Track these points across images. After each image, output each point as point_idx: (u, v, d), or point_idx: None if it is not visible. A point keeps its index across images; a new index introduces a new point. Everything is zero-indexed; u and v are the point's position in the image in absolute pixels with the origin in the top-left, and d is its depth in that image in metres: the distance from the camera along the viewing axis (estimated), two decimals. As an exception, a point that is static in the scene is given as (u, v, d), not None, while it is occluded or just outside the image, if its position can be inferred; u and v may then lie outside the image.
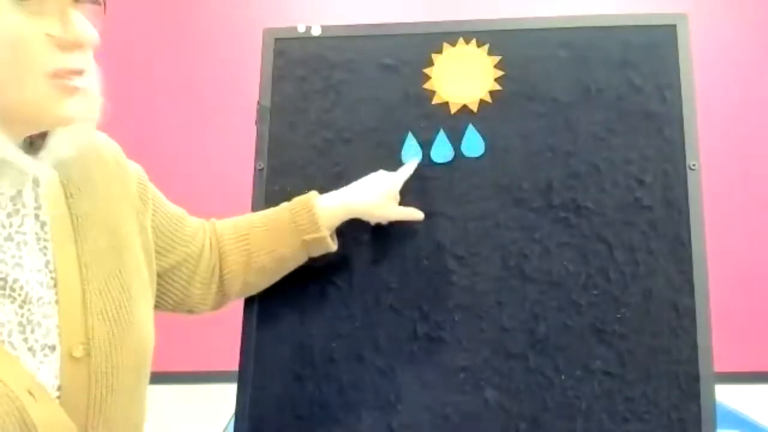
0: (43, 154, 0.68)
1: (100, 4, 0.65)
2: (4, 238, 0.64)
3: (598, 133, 1.01)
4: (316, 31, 1.07)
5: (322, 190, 0.99)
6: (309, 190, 0.99)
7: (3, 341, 0.61)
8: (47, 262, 0.67)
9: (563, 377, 0.96)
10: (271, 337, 1.00)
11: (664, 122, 1.00)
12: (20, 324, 0.63)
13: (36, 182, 0.70)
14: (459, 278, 0.99)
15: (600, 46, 1.02)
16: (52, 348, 0.65)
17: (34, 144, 0.69)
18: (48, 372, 0.64)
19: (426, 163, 1.02)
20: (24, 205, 0.67)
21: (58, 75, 0.60)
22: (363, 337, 0.99)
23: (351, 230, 1.01)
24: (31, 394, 0.61)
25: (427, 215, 1.00)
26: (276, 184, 1.04)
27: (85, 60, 0.64)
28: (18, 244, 0.65)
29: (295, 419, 0.97)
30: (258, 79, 1.06)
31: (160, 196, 0.89)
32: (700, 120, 1.00)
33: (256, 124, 1.06)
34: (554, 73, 1.02)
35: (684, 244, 0.97)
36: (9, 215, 0.66)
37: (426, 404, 0.97)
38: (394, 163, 1.02)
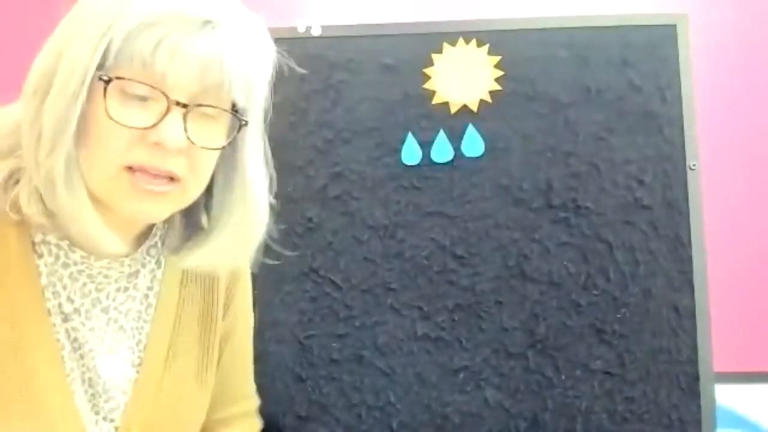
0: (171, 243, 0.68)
1: (213, 116, 0.59)
2: (101, 309, 0.65)
3: (598, 133, 1.01)
4: (316, 31, 1.07)
5: (322, 190, 0.99)
6: (309, 190, 0.99)
7: (74, 392, 0.62)
8: (139, 342, 0.68)
9: (563, 377, 0.96)
10: (272, 338, 1.00)
11: (664, 122, 1.00)
12: (89, 384, 0.64)
13: (159, 263, 0.70)
14: (459, 278, 0.99)
15: (600, 46, 1.02)
16: (112, 420, 0.65)
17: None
18: None
19: (426, 163, 1.02)
20: (136, 287, 0.68)
21: (132, 170, 0.57)
22: (363, 337, 0.99)
23: (351, 230, 1.01)
24: None
25: (427, 215, 1.00)
26: (276, 184, 1.04)
27: (180, 165, 0.58)
28: (109, 320, 0.66)
29: (296, 419, 0.97)
30: (258, 79, 1.06)
31: (245, 336, 0.81)
32: (700, 120, 1.00)
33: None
34: (554, 73, 1.02)
35: (684, 244, 0.97)
36: (118, 290, 0.66)
37: (426, 404, 0.97)
38: (395, 163, 1.02)
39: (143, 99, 0.56)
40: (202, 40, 0.56)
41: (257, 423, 0.82)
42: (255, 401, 0.82)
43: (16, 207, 0.58)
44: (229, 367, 0.78)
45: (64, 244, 0.62)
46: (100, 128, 0.56)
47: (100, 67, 0.55)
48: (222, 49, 0.57)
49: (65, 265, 0.63)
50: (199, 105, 0.58)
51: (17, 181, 0.59)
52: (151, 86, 0.56)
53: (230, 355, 0.78)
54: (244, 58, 0.59)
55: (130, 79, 0.56)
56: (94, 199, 0.59)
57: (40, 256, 0.62)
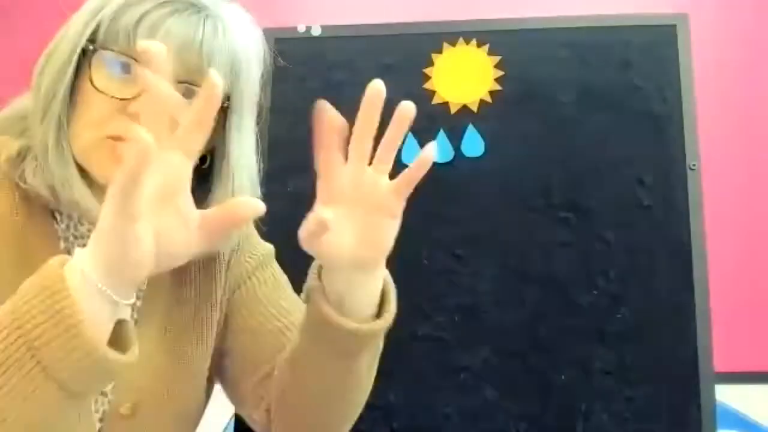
0: None
1: (193, 94, 0.59)
2: None
3: (598, 133, 1.01)
4: (316, 31, 1.07)
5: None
6: (310, 190, 0.98)
7: None
8: (132, 318, 0.67)
9: (563, 377, 0.96)
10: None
11: (664, 122, 1.00)
12: None
13: None
14: (459, 278, 0.99)
15: (600, 46, 1.02)
16: (104, 394, 0.65)
17: None
18: (94, 415, 0.64)
19: (426, 163, 1.02)
20: None
21: (114, 139, 0.59)
22: (363, 337, 0.99)
23: (351, 230, 1.01)
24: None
25: (427, 215, 1.00)
26: (276, 184, 1.04)
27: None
28: None
29: (295, 419, 0.97)
30: (258, 79, 1.06)
31: (275, 284, 0.79)
32: (700, 120, 1.00)
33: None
34: (554, 73, 1.02)
35: (684, 244, 0.97)
36: None
37: (426, 404, 0.97)
38: (394, 163, 1.02)
39: (127, 72, 0.60)
40: (184, 19, 0.60)
41: None
42: None
43: (23, 179, 0.62)
44: (257, 331, 0.75)
45: (74, 215, 0.65)
46: (85, 98, 0.60)
47: (91, 42, 0.60)
48: (203, 31, 0.60)
49: (75, 236, 0.65)
50: (181, 82, 0.60)
51: (24, 158, 0.63)
52: (133, 59, 0.59)
53: (257, 318, 0.76)
54: (226, 42, 0.62)
55: (113, 50, 0.59)
56: (84, 170, 0.61)
57: (57, 222, 0.65)
